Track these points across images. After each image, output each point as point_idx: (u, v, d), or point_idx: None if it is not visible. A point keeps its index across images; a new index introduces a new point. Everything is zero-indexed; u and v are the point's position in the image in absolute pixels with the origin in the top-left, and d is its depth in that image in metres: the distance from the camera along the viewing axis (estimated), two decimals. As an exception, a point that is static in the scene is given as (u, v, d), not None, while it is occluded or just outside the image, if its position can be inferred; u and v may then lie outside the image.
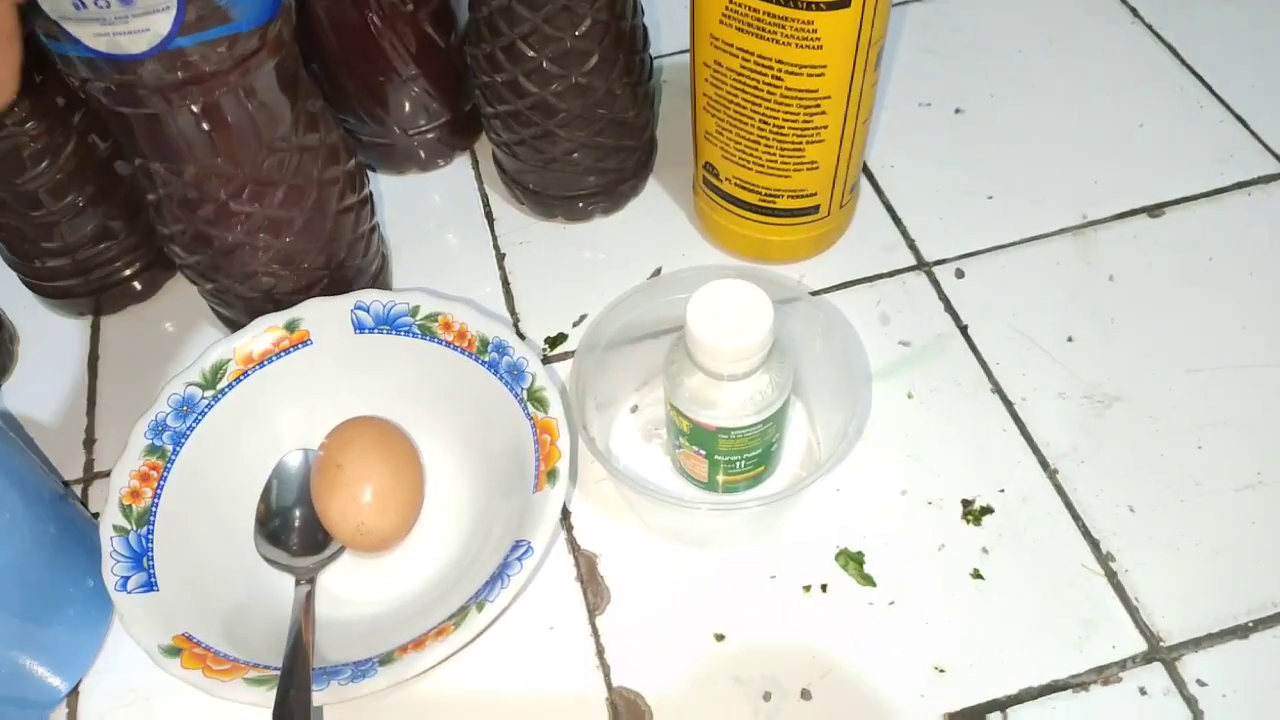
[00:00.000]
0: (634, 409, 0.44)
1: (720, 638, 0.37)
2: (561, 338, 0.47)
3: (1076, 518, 0.40)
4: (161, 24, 0.32)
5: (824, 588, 0.38)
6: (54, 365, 0.48)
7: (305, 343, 0.42)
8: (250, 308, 0.43)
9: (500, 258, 0.50)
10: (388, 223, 0.52)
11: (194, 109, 0.35)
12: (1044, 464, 0.41)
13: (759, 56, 0.40)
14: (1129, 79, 0.56)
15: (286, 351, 0.42)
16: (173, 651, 0.34)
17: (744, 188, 0.46)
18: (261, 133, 0.38)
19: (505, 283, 0.49)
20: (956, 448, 0.42)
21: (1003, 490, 0.40)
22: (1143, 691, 0.35)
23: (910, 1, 0.61)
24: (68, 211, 0.45)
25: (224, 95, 0.36)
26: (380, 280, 0.48)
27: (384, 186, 0.54)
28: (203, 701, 0.33)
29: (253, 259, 0.41)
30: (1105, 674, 0.36)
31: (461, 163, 0.55)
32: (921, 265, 0.48)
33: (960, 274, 0.48)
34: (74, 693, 0.38)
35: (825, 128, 0.42)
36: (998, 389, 0.43)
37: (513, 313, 0.48)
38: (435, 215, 0.53)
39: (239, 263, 0.41)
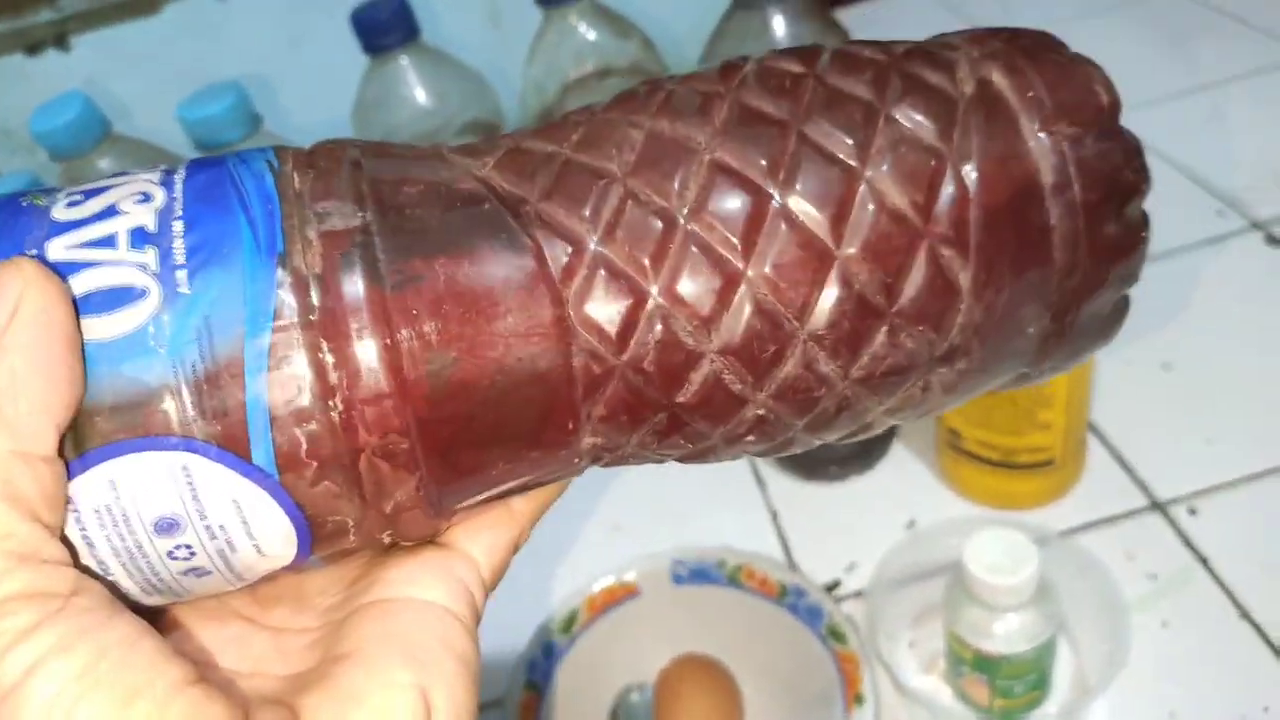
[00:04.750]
0: (911, 644, 0.51)
1: None
2: (836, 584, 0.55)
3: (1349, 736, 0.43)
4: None
5: (1110, 803, 0.43)
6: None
7: (633, 594, 0.52)
8: None
9: (773, 515, 0.60)
10: (678, 485, 0.63)
11: None
12: (1306, 685, 0.45)
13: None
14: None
15: (620, 602, 0.52)
16: None
17: (985, 445, 0.54)
18: None
19: (781, 538, 0.58)
20: (1215, 670, 0.46)
21: (1266, 709, 0.44)
22: None
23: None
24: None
25: None
26: None
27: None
28: None
29: None
30: None
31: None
32: (1155, 505, 0.54)
33: (1193, 511, 0.53)
34: None
35: (1053, 395, 0.50)
36: (1246, 615, 0.48)
37: (791, 564, 0.57)
38: (714, 482, 0.63)
39: None
